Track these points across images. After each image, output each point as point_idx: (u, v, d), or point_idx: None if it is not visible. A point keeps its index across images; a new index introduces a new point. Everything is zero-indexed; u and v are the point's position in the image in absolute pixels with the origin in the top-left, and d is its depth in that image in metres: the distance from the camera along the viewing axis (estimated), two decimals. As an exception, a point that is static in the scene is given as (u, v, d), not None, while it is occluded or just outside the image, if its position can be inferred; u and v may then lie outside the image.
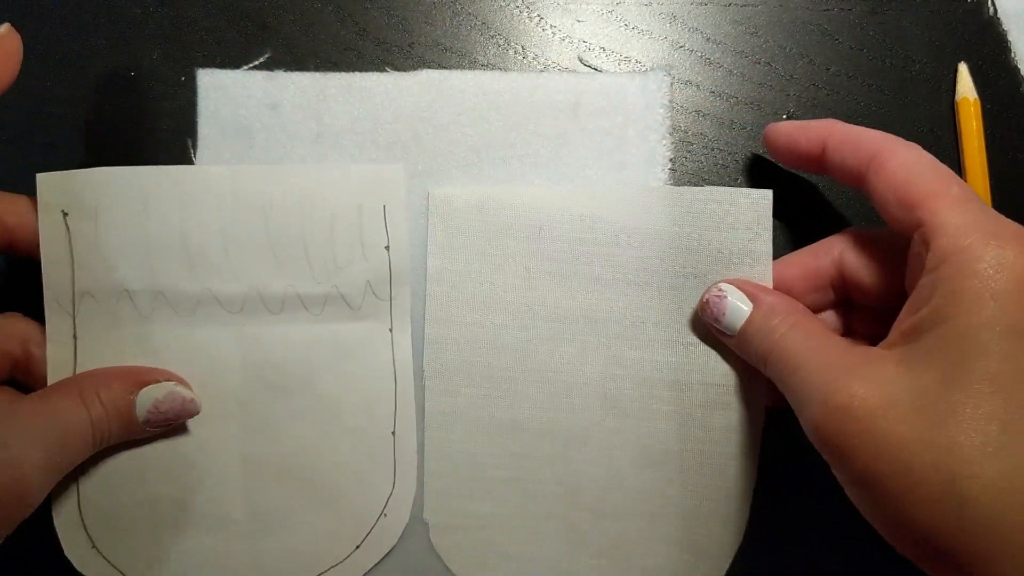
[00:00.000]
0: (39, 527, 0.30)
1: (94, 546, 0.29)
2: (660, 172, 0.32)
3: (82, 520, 0.29)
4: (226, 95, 0.32)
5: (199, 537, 0.30)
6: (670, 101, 0.33)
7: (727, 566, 0.30)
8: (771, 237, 0.30)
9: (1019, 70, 0.34)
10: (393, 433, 0.31)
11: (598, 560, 0.30)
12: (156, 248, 0.30)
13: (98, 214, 0.29)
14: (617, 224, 0.31)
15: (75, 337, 0.29)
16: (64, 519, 0.29)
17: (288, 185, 0.30)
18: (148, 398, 0.28)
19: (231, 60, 0.32)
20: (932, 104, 0.33)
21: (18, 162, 0.32)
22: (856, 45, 0.34)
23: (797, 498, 0.31)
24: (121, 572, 0.29)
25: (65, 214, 0.29)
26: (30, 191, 0.32)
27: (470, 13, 0.33)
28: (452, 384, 0.31)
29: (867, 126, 0.33)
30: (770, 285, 0.30)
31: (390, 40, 0.33)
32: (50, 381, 0.29)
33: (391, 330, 0.31)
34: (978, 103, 0.33)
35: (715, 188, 0.31)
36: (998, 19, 0.34)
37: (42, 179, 0.29)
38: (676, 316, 0.30)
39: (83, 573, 0.29)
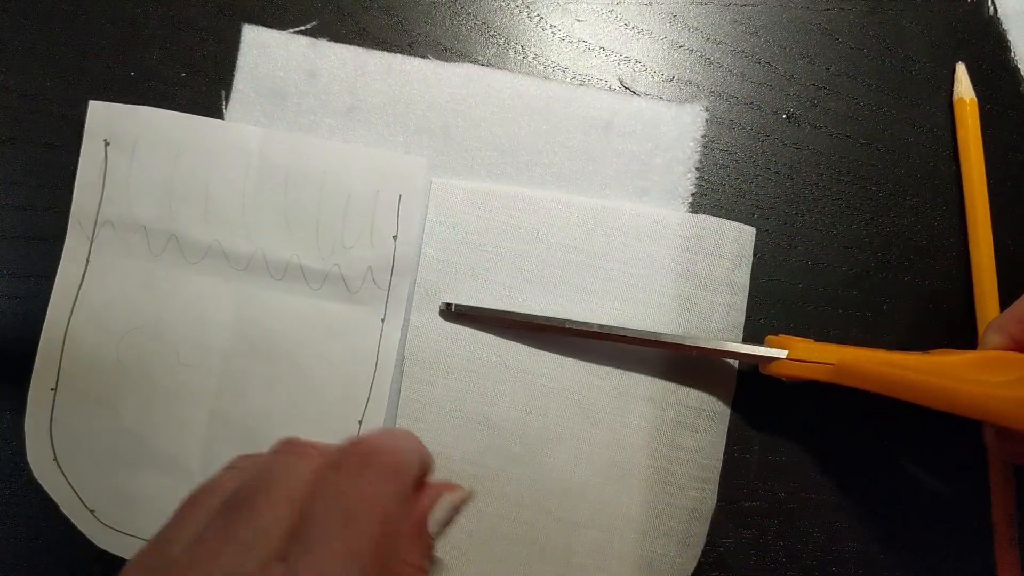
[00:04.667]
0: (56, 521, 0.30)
1: (55, 459, 0.30)
2: (680, 205, 0.32)
3: (50, 431, 0.30)
4: (267, 54, 0.32)
5: (153, 477, 0.30)
6: (703, 136, 0.32)
7: None
8: (750, 270, 0.31)
9: (1019, 70, 0.34)
10: (360, 422, 0.31)
11: (552, 567, 0.30)
12: (179, 193, 0.31)
13: (136, 150, 0.31)
14: (611, 238, 0.31)
15: (88, 260, 0.31)
16: (34, 426, 0.30)
17: (313, 158, 0.31)
18: (435, 524, 0.25)
19: (230, 61, 0.32)
20: (931, 104, 0.33)
21: (18, 162, 0.32)
22: (856, 45, 0.34)
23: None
24: (75, 490, 0.30)
25: (107, 144, 0.31)
26: (29, 191, 0.32)
27: (470, 13, 0.33)
28: (430, 373, 0.31)
29: (867, 126, 0.33)
30: (743, 316, 0.31)
31: (390, 40, 0.33)
32: (54, 296, 0.31)
33: (383, 320, 0.31)
34: (975, 103, 0.33)
35: (705, 216, 0.31)
36: (998, 19, 0.34)
37: (94, 107, 0.31)
38: (657, 330, 0.31)
39: (39, 481, 0.30)
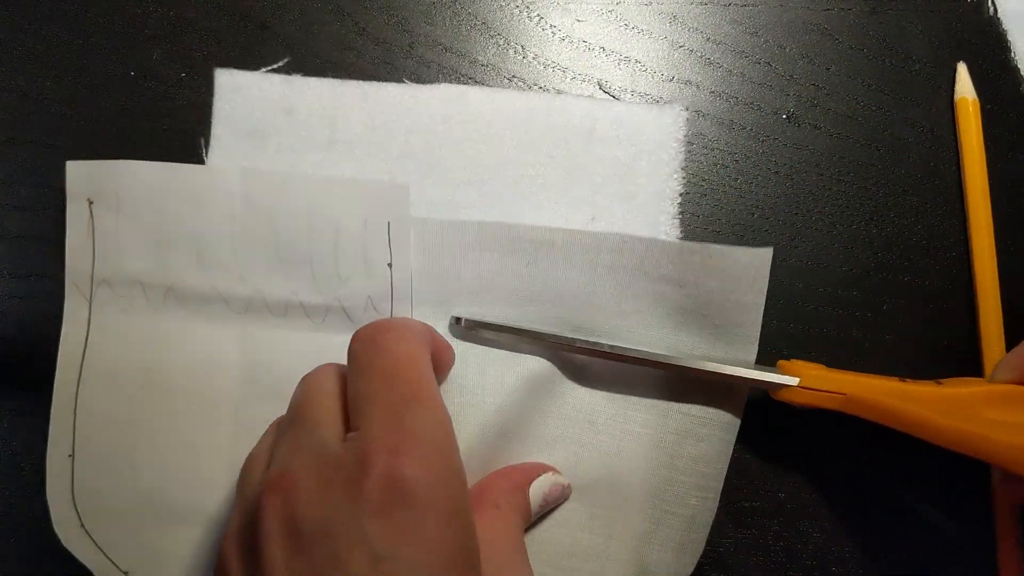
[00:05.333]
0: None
1: (82, 525, 0.30)
2: (669, 207, 0.32)
3: (73, 498, 0.30)
4: (242, 96, 0.32)
5: (181, 530, 0.30)
6: (685, 136, 0.32)
7: None
8: (765, 291, 0.30)
9: (1019, 70, 0.34)
10: None
11: (548, 569, 0.30)
12: (169, 243, 0.30)
13: (120, 205, 0.30)
14: (614, 261, 0.30)
15: (89, 321, 0.30)
16: (56, 494, 0.30)
17: (296, 194, 0.30)
18: (538, 493, 0.29)
19: (231, 60, 0.32)
20: (932, 104, 0.33)
21: (18, 162, 0.32)
22: (856, 45, 0.34)
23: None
24: (105, 553, 0.30)
25: (91, 202, 0.30)
26: (29, 191, 0.32)
27: (470, 13, 0.33)
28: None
29: (867, 126, 0.33)
30: (757, 335, 0.30)
31: (390, 40, 0.33)
32: (60, 362, 0.30)
33: None
34: (977, 103, 0.33)
35: (718, 246, 0.30)
36: (998, 19, 0.34)
37: (71, 167, 0.30)
38: (667, 348, 0.30)
39: (69, 550, 0.30)
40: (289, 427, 0.24)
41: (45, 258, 0.31)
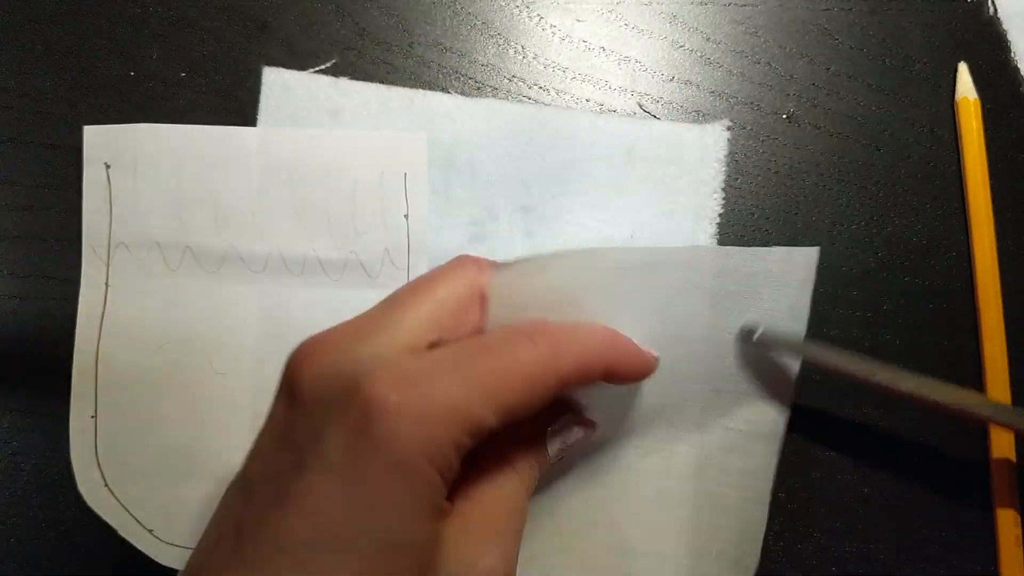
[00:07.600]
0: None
1: (106, 484, 0.30)
2: (708, 226, 0.32)
3: (97, 459, 0.30)
4: (290, 95, 0.32)
5: (205, 485, 0.30)
6: (726, 156, 0.32)
7: None
8: (811, 292, 0.29)
9: (1019, 70, 0.34)
10: None
11: None
12: (187, 204, 0.31)
13: (137, 168, 0.31)
14: (658, 271, 0.28)
15: (107, 284, 0.31)
16: (80, 455, 0.30)
17: (313, 150, 0.31)
18: (555, 440, 0.26)
19: (231, 60, 0.32)
20: (932, 104, 0.33)
21: (18, 162, 0.32)
22: (856, 45, 0.34)
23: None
24: (131, 513, 0.30)
25: (108, 166, 0.31)
26: (29, 191, 0.32)
27: (470, 13, 0.33)
28: None
29: (867, 126, 0.33)
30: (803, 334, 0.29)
31: (390, 40, 0.33)
32: (79, 325, 0.31)
33: None
34: (978, 103, 0.33)
35: (767, 249, 0.29)
36: (998, 19, 0.34)
37: (89, 131, 0.31)
38: (713, 365, 0.29)
39: (93, 509, 0.30)
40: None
41: (45, 258, 0.31)
